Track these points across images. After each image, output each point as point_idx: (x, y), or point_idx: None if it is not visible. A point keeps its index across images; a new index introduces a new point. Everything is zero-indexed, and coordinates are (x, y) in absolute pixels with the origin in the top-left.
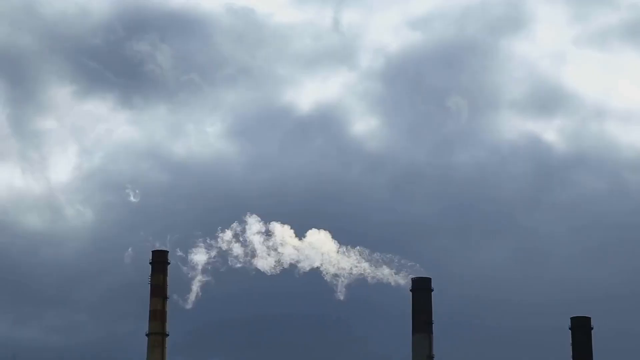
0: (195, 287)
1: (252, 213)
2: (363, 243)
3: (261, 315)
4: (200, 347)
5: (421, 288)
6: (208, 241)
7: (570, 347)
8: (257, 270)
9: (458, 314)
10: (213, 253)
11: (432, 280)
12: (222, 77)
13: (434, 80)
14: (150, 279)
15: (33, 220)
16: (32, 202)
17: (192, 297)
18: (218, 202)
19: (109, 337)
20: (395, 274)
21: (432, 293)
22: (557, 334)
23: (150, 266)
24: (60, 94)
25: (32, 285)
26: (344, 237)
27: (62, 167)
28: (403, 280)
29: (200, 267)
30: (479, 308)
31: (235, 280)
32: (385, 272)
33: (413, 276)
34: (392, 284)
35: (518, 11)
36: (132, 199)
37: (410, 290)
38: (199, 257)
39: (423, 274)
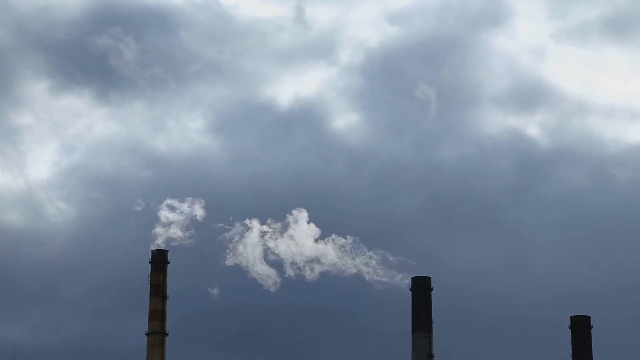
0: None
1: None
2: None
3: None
4: (190, 341)
5: (421, 287)
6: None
7: (570, 346)
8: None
9: (446, 310)
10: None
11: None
12: (200, 73)
13: (414, 75)
14: (150, 278)
15: (14, 218)
16: (12, 199)
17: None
18: (202, 197)
19: (97, 335)
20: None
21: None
22: (554, 329)
23: (138, 265)
24: (36, 89)
25: (16, 283)
26: (328, 232)
27: (42, 163)
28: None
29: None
30: (468, 305)
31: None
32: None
33: (413, 275)
34: (381, 277)
35: (497, 6)
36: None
37: (410, 289)
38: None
39: (411, 269)
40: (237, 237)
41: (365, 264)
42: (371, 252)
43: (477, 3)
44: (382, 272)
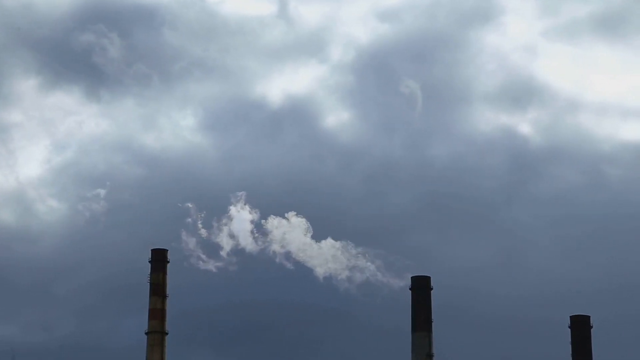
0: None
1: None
2: (342, 237)
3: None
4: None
5: (421, 286)
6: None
7: (570, 345)
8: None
9: (445, 309)
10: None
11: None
12: (187, 71)
13: (405, 72)
14: (150, 277)
15: (4, 216)
16: (3, 198)
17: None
18: (193, 194)
19: (91, 333)
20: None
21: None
22: (554, 329)
23: (133, 263)
24: (25, 87)
25: (8, 281)
26: (321, 231)
27: (33, 161)
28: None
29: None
30: (466, 304)
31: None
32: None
33: (407, 272)
34: (378, 275)
35: (488, 3)
36: None
37: (410, 288)
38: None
39: (408, 267)
40: (233, 235)
41: (360, 262)
42: (366, 250)
43: (468, 1)
44: (378, 271)
